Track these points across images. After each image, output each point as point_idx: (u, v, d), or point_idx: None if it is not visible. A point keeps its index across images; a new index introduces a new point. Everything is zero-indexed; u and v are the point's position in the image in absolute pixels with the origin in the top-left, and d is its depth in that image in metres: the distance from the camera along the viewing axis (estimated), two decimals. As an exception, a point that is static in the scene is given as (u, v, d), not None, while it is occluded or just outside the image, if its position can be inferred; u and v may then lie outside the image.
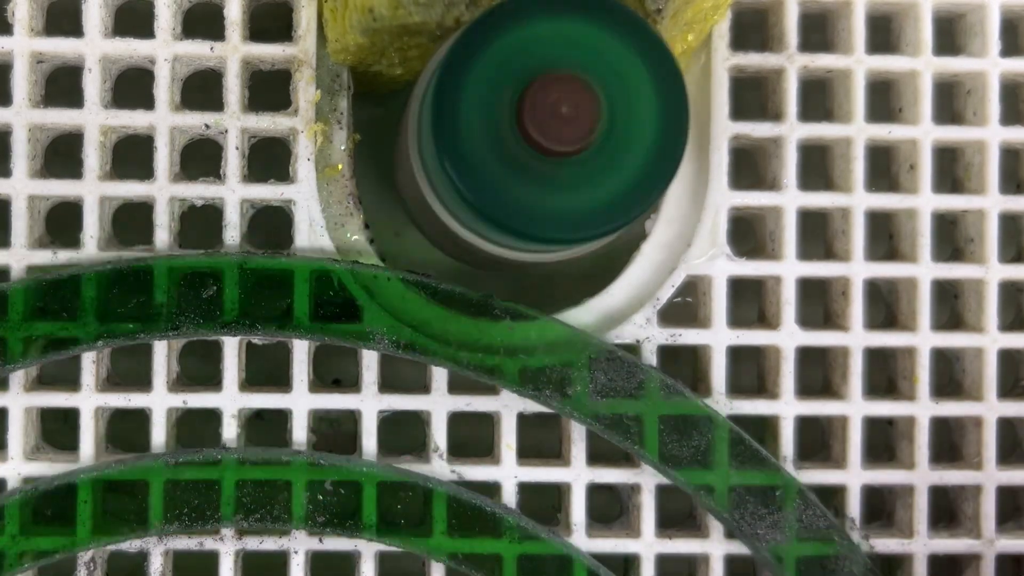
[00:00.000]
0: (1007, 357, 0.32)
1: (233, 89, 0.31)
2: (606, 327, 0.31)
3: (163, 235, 0.30)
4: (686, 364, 0.33)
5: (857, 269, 0.31)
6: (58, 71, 0.31)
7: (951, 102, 0.33)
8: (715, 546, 0.31)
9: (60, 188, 0.30)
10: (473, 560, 0.30)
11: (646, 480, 0.31)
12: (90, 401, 0.30)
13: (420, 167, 0.27)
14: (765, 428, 0.31)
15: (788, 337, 0.31)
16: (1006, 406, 0.32)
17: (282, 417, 0.31)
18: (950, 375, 0.33)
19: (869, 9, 0.32)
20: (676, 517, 0.33)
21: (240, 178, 0.31)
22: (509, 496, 0.31)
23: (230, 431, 0.30)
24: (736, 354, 0.31)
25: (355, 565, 0.31)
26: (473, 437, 0.32)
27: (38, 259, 0.30)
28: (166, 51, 0.30)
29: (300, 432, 0.30)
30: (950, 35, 0.33)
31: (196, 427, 0.32)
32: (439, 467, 0.31)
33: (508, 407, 0.31)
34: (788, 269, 0.31)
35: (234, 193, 0.30)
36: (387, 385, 0.31)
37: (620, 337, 0.31)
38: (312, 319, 0.29)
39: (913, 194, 0.32)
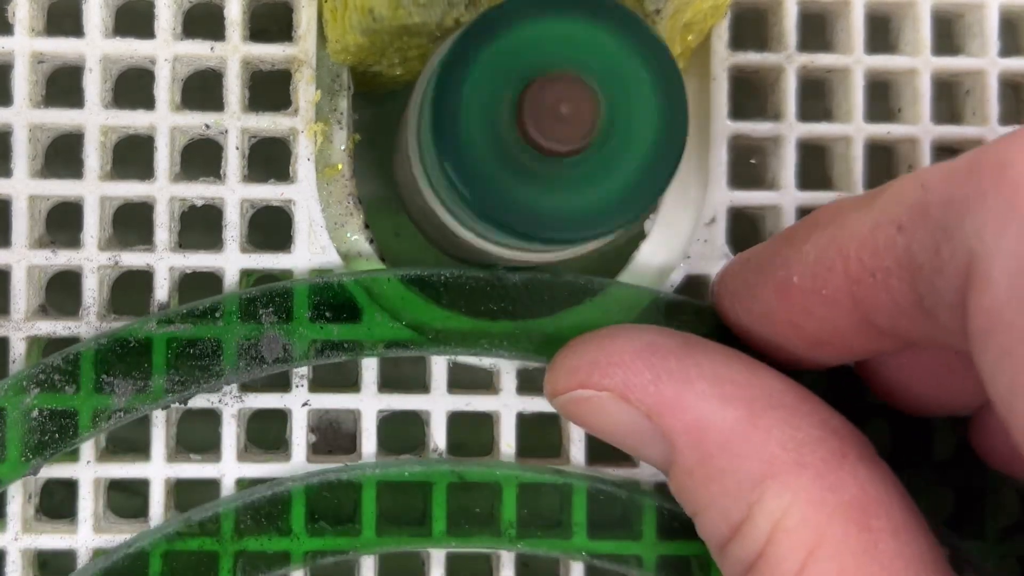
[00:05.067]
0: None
1: (233, 89, 0.31)
2: (606, 327, 0.31)
3: (163, 235, 0.30)
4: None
5: (856, 269, 0.31)
6: (58, 71, 0.31)
7: (951, 102, 0.33)
8: (715, 546, 0.31)
9: (60, 188, 0.30)
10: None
11: (646, 479, 0.31)
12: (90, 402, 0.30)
13: (420, 167, 0.28)
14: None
15: (788, 337, 0.31)
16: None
17: (281, 416, 0.31)
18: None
19: (868, 9, 0.32)
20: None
21: (240, 178, 0.31)
22: (508, 496, 0.31)
23: (230, 431, 0.30)
24: (736, 354, 0.31)
25: (355, 566, 0.31)
26: (473, 437, 0.32)
27: (38, 259, 0.30)
28: (166, 51, 0.30)
29: (299, 432, 0.30)
30: (949, 35, 0.33)
31: (196, 428, 0.32)
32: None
33: (508, 407, 0.31)
34: (788, 269, 0.31)
35: (234, 193, 0.31)
36: (387, 385, 0.31)
37: (620, 337, 0.31)
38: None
39: (912, 194, 0.32)
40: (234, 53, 0.31)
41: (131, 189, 0.30)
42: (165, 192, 0.30)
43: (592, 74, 0.25)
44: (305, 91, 0.31)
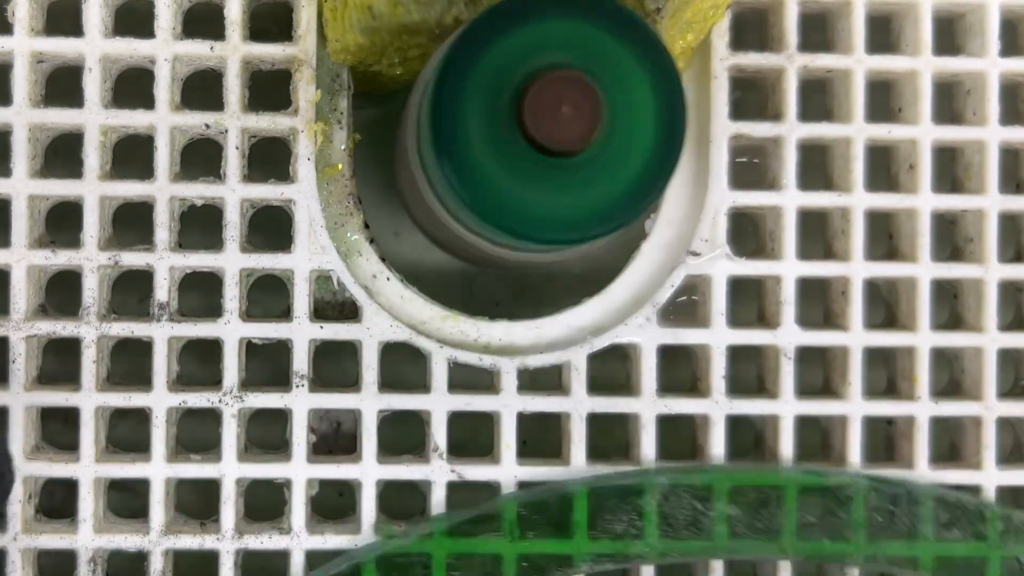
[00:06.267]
0: (1006, 357, 0.32)
1: (233, 89, 0.31)
2: (606, 327, 0.31)
3: (163, 235, 0.30)
4: (686, 364, 0.33)
5: (857, 269, 0.31)
6: (58, 71, 0.31)
7: (951, 102, 0.33)
8: (719, 550, 0.31)
9: (60, 188, 0.30)
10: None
11: (646, 480, 0.31)
12: (90, 401, 0.30)
13: (420, 167, 0.27)
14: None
15: (788, 337, 0.31)
16: (1006, 406, 0.32)
17: (282, 416, 0.31)
18: (950, 375, 0.33)
19: (869, 9, 0.32)
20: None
21: (240, 178, 0.31)
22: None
23: (229, 430, 0.30)
24: (736, 354, 0.31)
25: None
26: (473, 437, 0.32)
27: (38, 259, 0.30)
28: (166, 51, 0.30)
29: (300, 432, 0.30)
30: (950, 35, 0.33)
31: (196, 427, 0.32)
32: (438, 467, 0.31)
33: (508, 407, 0.31)
34: (788, 269, 0.31)
35: (234, 193, 0.31)
36: (387, 385, 0.31)
37: (620, 337, 0.31)
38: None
39: (913, 194, 0.32)
40: (234, 53, 0.31)
41: (131, 189, 0.30)
42: (165, 192, 0.30)
43: (592, 74, 0.25)
44: (305, 91, 0.31)
